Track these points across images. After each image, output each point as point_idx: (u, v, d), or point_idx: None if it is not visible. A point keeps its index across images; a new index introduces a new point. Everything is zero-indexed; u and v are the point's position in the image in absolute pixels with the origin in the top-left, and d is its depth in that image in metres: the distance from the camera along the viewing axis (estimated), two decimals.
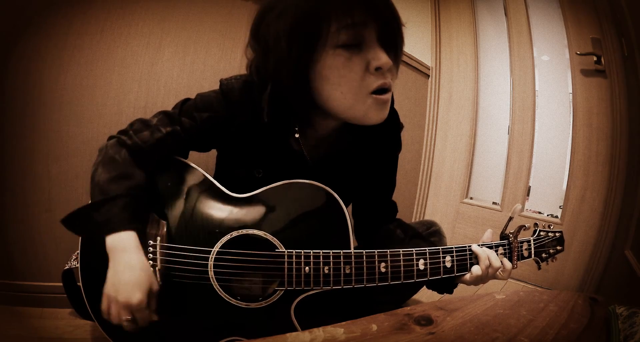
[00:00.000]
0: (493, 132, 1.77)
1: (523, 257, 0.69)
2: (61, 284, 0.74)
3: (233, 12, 1.10)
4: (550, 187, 1.59)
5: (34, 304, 0.94)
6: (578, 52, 1.37)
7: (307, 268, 0.58)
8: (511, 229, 0.68)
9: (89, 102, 0.96)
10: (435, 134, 1.90)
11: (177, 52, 1.04)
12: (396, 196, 0.83)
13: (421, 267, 0.61)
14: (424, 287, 0.73)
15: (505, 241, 0.67)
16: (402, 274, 0.60)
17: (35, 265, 0.95)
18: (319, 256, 0.58)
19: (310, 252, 0.58)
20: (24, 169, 0.93)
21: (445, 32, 1.86)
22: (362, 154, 0.73)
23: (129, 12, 0.98)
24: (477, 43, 1.78)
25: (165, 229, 0.60)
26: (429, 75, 1.86)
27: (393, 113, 0.71)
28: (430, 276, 0.62)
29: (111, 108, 0.98)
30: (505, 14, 1.66)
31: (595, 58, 1.33)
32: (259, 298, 0.59)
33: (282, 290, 0.58)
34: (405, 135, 0.78)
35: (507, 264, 0.65)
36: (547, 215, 1.57)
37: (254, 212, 0.61)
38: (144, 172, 0.62)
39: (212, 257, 0.58)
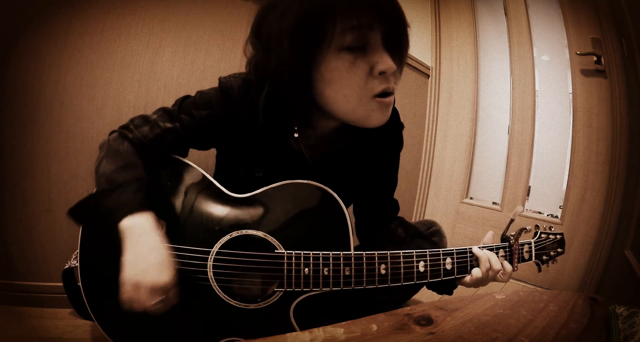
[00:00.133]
0: (493, 132, 1.77)
1: (524, 260, 0.69)
2: (61, 284, 0.74)
3: (233, 12, 1.10)
4: (550, 187, 1.59)
5: (34, 304, 0.94)
6: (578, 52, 1.37)
7: (306, 269, 0.58)
8: (512, 231, 0.68)
9: (89, 102, 0.96)
10: (435, 134, 1.90)
11: (177, 52, 1.04)
12: (396, 196, 0.83)
13: (421, 269, 0.61)
14: (424, 287, 0.73)
15: (506, 243, 0.67)
16: (402, 276, 0.60)
17: (35, 265, 0.95)
18: (319, 257, 0.58)
19: (309, 254, 0.58)
20: (24, 169, 0.93)
21: (445, 32, 1.86)
22: (363, 153, 0.72)
23: (129, 12, 0.98)
24: (477, 43, 1.78)
25: (164, 229, 0.60)
26: (429, 75, 1.86)
27: (394, 112, 0.70)
28: (430, 278, 0.62)
29: (111, 108, 0.98)
30: (505, 14, 1.66)
31: (595, 58, 1.33)
32: (257, 299, 0.59)
33: (281, 291, 0.58)
34: (405, 135, 0.78)
35: (508, 266, 0.65)
36: (547, 215, 1.57)
37: (254, 212, 0.61)
38: (144, 166, 0.62)
39: (211, 258, 0.58)
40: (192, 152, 0.72)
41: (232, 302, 0.58)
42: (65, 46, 0.92)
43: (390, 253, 0.60)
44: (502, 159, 1.69)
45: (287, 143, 0.66)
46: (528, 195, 1.62)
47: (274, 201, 0.62)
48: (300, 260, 0.58)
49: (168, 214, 0.61)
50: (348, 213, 0.63)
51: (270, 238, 0.59)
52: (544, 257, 0.71)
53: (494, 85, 1.76)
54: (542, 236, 0.71)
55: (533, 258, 0.70)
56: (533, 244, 0.69)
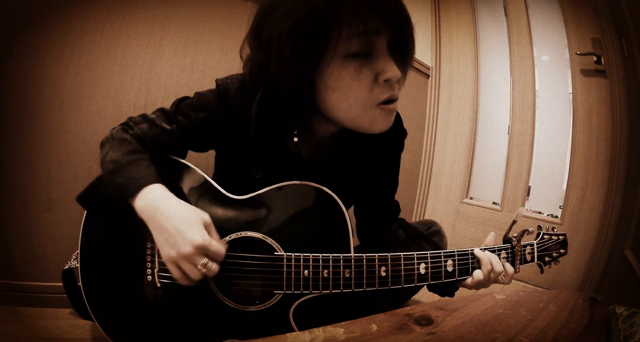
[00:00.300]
0: (493, 132, 1.77)
1: (526, 261, 0.68)
2: (61, 284, 0.74)
3: (233, 12, 1.10)
4: (550, 187, 1.59)
5: (34, 304, 0.94)
6: (578, 52, 1.36)
7: (306, 272, 0.57)
8: (514, 232, 0.68)
9: (89, 102, 0.96)
10: (435, 134, 1.90)
11: (177, 52, 1.04)
12: (396, 196, 0.83)
13: (422, 271, 0.61)
14: (425, 288, 0.73)
15: (508, 245, 0.67)
16: (402, 278, 0.60)
17: (35, 265, 0.95)
18: (318, 259, 0.57)
19: (309, 256, 0.58)
20: (24, 169, 0.93)
21: (445, 32, 1.86)
22: (363, 156, 0.72)
23: (129, 12, 0.98)
24: (477, 43, 1.78)
25: None
26: (429, 75, 1.87)
27: (396, 117, 0.70)
28: (431, 280, 0.61)
29: (111, 108, 0.98)
30: (505, 14, 1.66)
31: (595, 58, 1.33)
32: (257, 301, 0.59)
33: (280, 293, 0.58)
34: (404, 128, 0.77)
35: (510, 268, 0.64)
36: (547, 215, 1.57)
37: (253, 214, 0.61)
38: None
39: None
40: (192, 152, 0.72)
41: (232, 304, 0.58)
42: (65, 46, 0.92)
43: (390, 255, 0.59)
44: (502, 159, 1.69)
45: (285, 146, 0.65)
46: (528, 195, 1.62)
47: (273, 203, 0.62)
48: (300, 262, 0.58)
49: None
50: (348, 214, 0.63)
51: (269, 240, 0.59)
52: (547, 259, 0.70)
53: (494, 85, 1.76)
54: (545, 237, 0.71)
55: (535, 260, 0.69)
56: (535, 246, 0.69)
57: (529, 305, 0.57)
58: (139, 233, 0.58)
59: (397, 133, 0.73)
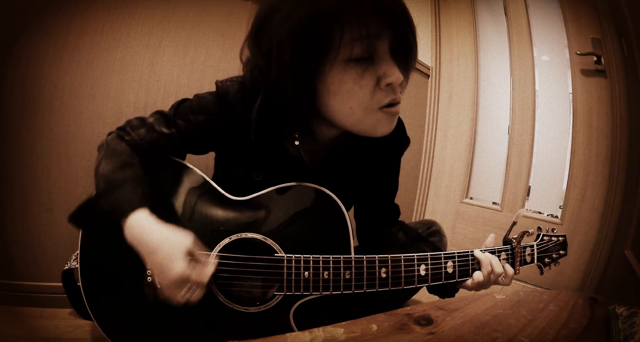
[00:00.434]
0: (493, 132, 1.77)
1: (526, 263, 0.68)
2: (61, 284, 0.74)
3: (233, 12, 1.10)
4: (550, 187, 1.59)
5: (34, 304, 0.94)
6: (578, 52, 1.36)
7: (306, 273, 0.57)
8: (514, 234, 0.68)
9: (88, 102, 0.96)
10: (435, 134, 1.90)
11: (177, 52, 1.04)
12: (397, 196, 0.83)
13: (422, 272, 0.61)
14: (425, 288, 0.73)
15: (508, 246, 0.67)
16: (402, 280, 0.59)
17: (35, 265, 0.95)
18: (319, 260, 0.57)
19: (309, 257, 0.57)
20: (24, 169, 0.93)
21: (445, 32, 1.86)
22: (364, 159, 0.72)
23: (129, 12, 0.98)
24: (477, 43, 1.78)
25: None
26: (429, 75, 1.86)
27: (399, 123, 0.70)
28: (431, 282, 0.61)
29: (111, 108, 0.98)
30: (505, 14, 1.66)
31: (595, 58, 1.33)
32: (257, 302, 0.59)
33: (281, 295, 0.58)
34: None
35: (510, 269, 0.64)
36: (547, 215, 1.57)
37: (253, 215, 0.61)
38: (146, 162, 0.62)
39: (211, 261, 0.58)
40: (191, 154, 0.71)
41: (232, 305, 0.58)
42: (65, 46, 0.92)
43: (391, 256, 0.59)
44: (502, 159, 1.69)
45: (286, 149, 0.65)
46: (528, 195, 1.62)
47: (273, 204, 0.62)
48: (300, 263, 0.57)
49: (168, 216, 0.61)
50: (348, 216, 0.62)
51: (269, 241, 0.59)
52: (546, 260, 0.70)
53: (494, 85, 1.76)
54: (545, 238, 0.70)
55: (535, 261, 0.69)
56: (535, 247, 0.69)
57: (529, 305, 0.57)
58: None
59: (398, 137, 0.73)
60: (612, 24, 1.26)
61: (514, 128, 1.64)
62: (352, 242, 0.61)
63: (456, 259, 0.63)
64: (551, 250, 0.70)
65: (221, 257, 0.59)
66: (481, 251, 0.64)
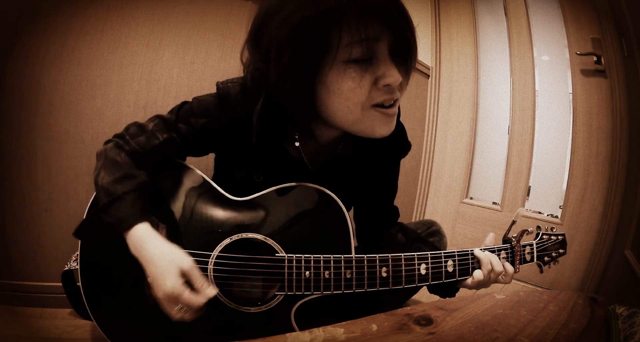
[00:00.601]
0: (493, 132, 1.77)
1: (525, 261, 0.68)
2: (61, 284, 0.74)
3: (233, 12, 1.10)
4: (550, 187, 1.59)
5: (34, 304, 0.94)
6: (578, 52, 1.36)
7: (307, 273, 0.57)
8: (514, 232, 0.68)
9: (88, 102, 0.96)
10: (435, 134, 1.90)
11: (177, 52, 1.04)
12: (397, 196, 0.83)
13: (423, 271, 0.61)
14: (425, 288, 0.73)
15: (508, 245, 0.67)
16: (403, 279, 0.60)
17: (35, 265, 0.95)
18: (320, 260, 0.57)
19: (310, 257, 0.57)
20: (24, 169, 0.93)
21: (445, 32, 1.86)
22: (363, 160, 0.72)
23: (129, 12, 0.98)
24: (477, 43, 1.78)
25: (164, 233, 0.60)
26: (429, 75, 1.86)
27: (400, 130, 0.71)
28: (431, 281, 0.61)
29: (111, 108, 0.98)
30: (505, 14, 1.66)
31: (595, 58, 1.33)
32: (258, 302, 0.59)
33: (282, 295, 0.58)
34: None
35: (510, 268, 0.65)
36: (547, 215, 1.57)
37: (254, 215, 0.61)
38: (146, 173, 0.61)
39: (211, 261, 0.58)
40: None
41: (233, 305, 0.58)
42: (65, 46, 0.92)
43: (391, 256, 0.59)
44: (502, 159, 1.69)
45: (286, 151, 0.65)
46: (528, 195, 1.62)
47: (274, 204, 0.62)
48: (301, 263, 0.57)
49: (168, 217, 0.61)
50: (349, 215, 0.62)
51: (270, 241, 0.59)
52: (546, 258, 0.70)
53: (494, 85, 1.76)
54: (544, 237, 0.71)
55: (535, 259, 0.69)
56: (535, 246, 0.69)
57: (529, 305, 0.57)
58: None
59: (399, 141, 0.73)
60: (612, 24, 1.26)
61: (514, 128, 1.64)
62: (353, 242, 0.61)
63: (456, 258, 0.63)
64: (551, 249, 0.71)
65: (222, 258, 0.59)
66: (481, 249, 0.64)
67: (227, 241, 0.59)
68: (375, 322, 0.48)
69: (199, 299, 0.52)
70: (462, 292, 0.67)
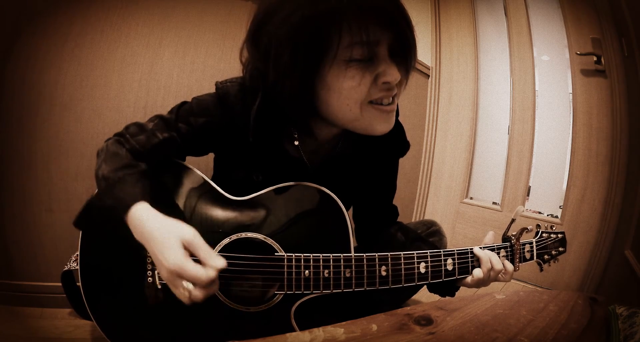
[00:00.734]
0: (493, 132, 1.77)
1: (525, 260, 0.68)
2: (60, 284, 0.74)
3: (233, 12, 1.10)
4: (550, 187, 1.59)
5: (34, 304, 0.94)
6: (578, 52, 1.36)
7: (306, 272, 0.57)
8: (513, 231, 0.68)
9: (89, 102, 0.96)
10: (435, 134, 1.90)
11: (177, 52, 1.04)
12: (396, 196, 0.83)
13: (422, 270, 0.61)
14: (425, 287, 0.73)
15: (507, 243, 0.67)
16: (403, 278, 0.60)
17: (35, 265, 0.95)
18: (319, 259, 0.57)
19: (310, 256, 0.58)
20: (24, 169, 0.93)
21: (445, 32, 1.86)
22: (363, 159, 0.72)
23: (129, 12, 0.98)
24: (477, 43, 1.78)
25: None
26: (429, 75, 1.86)
27: (399, 129, 0.71)
28: (431, 279, 0.61)
29: (111, 108, 0.98)
30: (505, 14, 1.66)
31: (595, 58, 1.33)
32: (258, 302, 0.59)
33: (281, 294, 0.58)
34: (406, 136, 0.77)
35: (509, 266, 0.65)
36: (547, 215, 1.57)
37: (253, 215, 0.61)
38: (146, 164, 0.61)
39: None
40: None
41: (233, 305, 0.58)
42: (65, 46, 0.92)
43: (390, 254, 0.60)
44: (502, 159, 1.69)
45: (285, 150, 0.65)
46: (528, 195, 1.62)
47: (273, 203, 0.62)
48: (301, 262, 0.58)
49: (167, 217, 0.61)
50: (348, 215, 0.62)
51: (270, 241, 0.59)
52: (546, 257, 0.70)
53: (494, 85, 1.76)
54: (544, 235, 0.71)
55: (535, 258, 0.69)
56: (534, 244, 0.69)
57: (529, 305, 0.57)
58: None
59: (398, 140, 0.74)
60: (612, 24, 1.26)
61: (514, 128, 1.64)
62: (352, 241, 0.61)
63: (456, 257, 0.63)
64: (550, 247, 0.71)
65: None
66: (480, 248, 0.65)
67: (226, 240, 0.59)
68: (375, 322, 0.48)
69: (207, 273, 0.46)
70: (462, 292, 0.67)
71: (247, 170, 0.66)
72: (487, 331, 0.48)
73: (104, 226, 0.59)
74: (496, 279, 0.65)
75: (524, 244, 0.68)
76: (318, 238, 0.61)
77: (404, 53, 0.53)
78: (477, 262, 0.64)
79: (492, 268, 0.63)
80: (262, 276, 0.59)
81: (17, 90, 0.90)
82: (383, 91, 0.54)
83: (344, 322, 0.48)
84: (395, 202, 0.83)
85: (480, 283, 0.64)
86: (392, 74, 0.52)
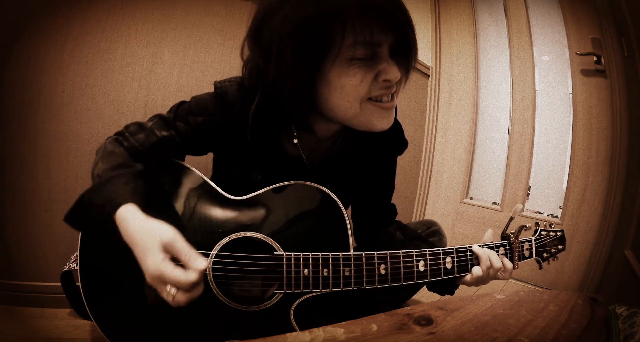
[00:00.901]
0: (493, 132, 1.77)
1: (524, 257, 0.68)
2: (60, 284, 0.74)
3: (233, 12, 1.10)
4: (550, 187, 1.59)
5: (34, 304, 0.94)
6: (578, 52, 1.36)
7: (306, 271, 0.57)
8: (512, 229, 0.68)
9: (89, 102, 0.96)
10: (435, 134, 1.90)
11: (177, 52, 1.04)
12: (396, 196, 0.83)
13: (421, 268, 0.61)
14: (425, 287, 0.73)
15: (506, 241, 0.67)
16: (402, 276, 0.60)
17: (35, 265, 0.95)
18: (318, 258, 0.58)
19: (309, 255, 0.58)
20: (24, 169, 0.93)
21: (445, 32, 1.86)
22: (362, 157, 0.72)
23: (129, 12, 0.98)
24: (477, 43, 1.78)
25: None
26: (429, 75, 1.86)
27: (398, 127, 0.71)
28: (430, 278, 0.61)
29: (111, 108, 0.98)
30: (505, 14, 1.66)
31: (595, 58, 1.33)
32: (257, 301, 0.59)
33: (281, 293, 0.58)
34: (405, 135, 0.78)
35: (508, 264, 0.65)
36: (547, 215, 1.57)
37: (253, 214, 0.61)
38: (143, 165, 0.61)
39: (210, 260, 0.58)
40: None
41: (232, 304, 0.58)
42: (65, 46, 0.92)
43: (389, 253, 0.60)
44: (502, 159, 1.69)
45: (284, 149, 0.65)
46: (528, 195, 1.62)
47: (272, 203, 0.62)
48: (300, 261, 0.58)
49: (167, 217, 0.60)
50: (347, 214, 0.62)
51: (269, 240, 0.59)
52: (545, 255, 0.71)
53: (494, 85, 1.76)
54: (543, 233, 0.71)
55: (534, 255, 0.70)
56: (533, 242, 0.70)
57: (529, 305, 0.57)
58: None
59: (396, 138, 0.74)
60: (612, 24, 1.26)
61: (514, 128, 1.64)
62: (351, 239, 0.61)
63: (454, 255, 0.63)
64: (549, 245, 0.71)
65: (221, 257, 0.59)
66: (479, 246, 0.65)
67: (225, 239, 0.59)
68: (375, 322, 0.48)
69: (187, 276, 0.45)
70: (462, 292, 0.67)
71: (246, 169, 0.66)
72: (487, 331, 0.48)
73: (97, 223, 0.58)
74: (495, 277, 0.65)
75: (522, 242, 0.68)
76: (317, 237, 0.61)
77: (404, 53, 0.54)
78: (476, 260, 0.64)
79: (491, 266, 0.63)
80: (261, 275, 0.59)
81: (17, 90, 0.90)
82: (383, 89, 0.54)
83: (344, 322, 0.48)
84: (395, 201, 0.83)
85: (479, 281, 0.64)
86: (393, 73, 0.52)
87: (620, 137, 1.28)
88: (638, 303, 0.56)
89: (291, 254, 0.58)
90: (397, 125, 0.70)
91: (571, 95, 1.45)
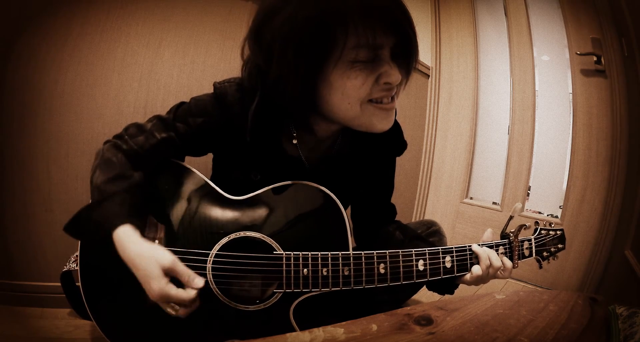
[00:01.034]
0: (493, 132, 1.77)
1: (524, 256, 0.68)
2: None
3: (233, 12, 1.10)
4: (550, 187, 1.59)
5: (34, 304, 0.94)
6: (578, 52, 1.36)
7: (305, 270, 0.57)
8: (512, 228, 0.68)
9: (89, 102, 0.96)
10: (435, 134, 1.90)
11: (177, 52, 1.04)
12: (396, 196, 0.83)
13: (421, 267, 0.61)
14: (424, 287, 0.73)
15: (506, 240, 0.67)
16: (401, 275, 0.60)
17: (35, 265, 0.95)
18: (317, 257, 0.58)
19: (308, 254, 0.58)
20: (24, 169, 0.93)
21: (445, 32, 1.86)
22: (361, 157, 0.72)
23: (129, 12, 0.98)
24: (477, 43, 1.78)
25: (163, 232, 0.60)
26: (429, 75, 1.86)
27: (397, 128, 0.71)
28: (430, 277, 0.61)
29: (111, 108, 0.98)
30: (505, 14, 1.66)
31: (595, 58, 1.33)
32: (257, 300, 0.59)
33: (280, 292, 0.58)
34: (405, 135, 0.78)
35: (508, 263, 0.65)
36: (547, 215, 1.57)
37: (252, 214, 0.61)
38: (142, 174, 0.61)
39: (210, 260, 0.58)
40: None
41: (232, 304, 0.58)
42: (65, 46, 0.92)
43: (389, 252, 0.60)
44: (502, 159, 1.69)
45: (283, 149, 0.65)
46: (528, 195, 1.62)
47: (271, 202, 0.62)
48: (299, 261, 0.58)
49: (167, 217, 0.61)
50: (346, 213, 0.63)
51: (268, 239, 0.59)
52: (545, 254, 0.70)
53: (494, 86, 1.76)
54: (542, 232, 0.71)
55: (533, 254, 0.69)
56: (533, 241, 0.69)
57: (529, 305, 0.57)
58: None
59: (395, 139, 0.74)
60: (612, 24, 1.26)
61: (514, 128, 1.64)
62: (351, 239, 0.61)
63: (454, 254, 0.63)
64: (549, 244, 0.71)
65: (220, 256, 0.59)
66: (479, 245, 0.65)
67: (225, 239, 0.59)
68: (375, 322, 0.48)
69: (188, 294, 0.51)
70: (462, 292, 0.67)
71: (246, 169, 0.66)
72: (487, 331, 0.48)
73: (95, 239, 0.59)
74: (495, 276, 0.65)
75: (522, 241, 0.68)
76: (316, 237, 0.61)
77: (406, 55, 0.54)
78: (475, 259, 0.64)
79: (490, 265, 0.63)
80: (261, 275, 0.59)
81: (17, 90, 0.90)
82: (384, 91, 0.55)
83: (344, 322, 0.48)
84: (395, 201, 0.83)
85: (479, 280, 0.63)
86: (394, 75, 0.53)
87: (620, 137, 1.28)
88: (638, 303, 0.56)
89: (290, 254, 0.58)
90: (396, 127, 0.70)
91: (571, 95, 1.45)
